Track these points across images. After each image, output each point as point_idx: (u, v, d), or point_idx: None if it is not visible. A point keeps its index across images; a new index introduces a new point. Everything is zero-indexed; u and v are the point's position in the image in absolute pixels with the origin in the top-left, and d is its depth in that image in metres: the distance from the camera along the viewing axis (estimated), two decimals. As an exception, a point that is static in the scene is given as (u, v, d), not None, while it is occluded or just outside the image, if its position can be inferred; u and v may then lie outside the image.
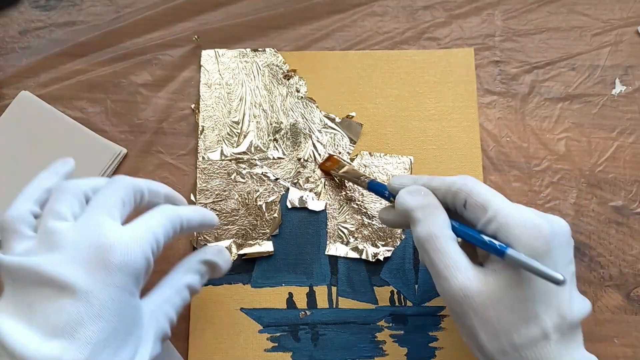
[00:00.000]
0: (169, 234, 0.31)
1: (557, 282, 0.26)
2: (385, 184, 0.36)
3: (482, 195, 0.30)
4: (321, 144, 0.44)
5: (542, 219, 0.29)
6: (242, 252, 0.41)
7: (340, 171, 0.41)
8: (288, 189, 0.43)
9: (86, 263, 0.27)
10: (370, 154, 0.44)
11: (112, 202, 0.29)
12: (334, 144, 0.44)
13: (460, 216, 0.31)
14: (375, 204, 0.43)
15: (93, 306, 0.26)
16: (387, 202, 0.36)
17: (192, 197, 0.43)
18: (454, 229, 0.31)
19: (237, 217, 0.42)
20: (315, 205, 0.42)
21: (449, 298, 0.30)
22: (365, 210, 0.42)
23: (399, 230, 0.42)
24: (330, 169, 0.42)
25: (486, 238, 0.29)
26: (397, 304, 0.41)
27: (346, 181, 0.43)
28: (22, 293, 0.27)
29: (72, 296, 0.26)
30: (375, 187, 0.37)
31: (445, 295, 0.30)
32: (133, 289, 0.28)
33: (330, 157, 0.43)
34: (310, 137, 0.44)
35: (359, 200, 0.43)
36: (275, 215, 0.42)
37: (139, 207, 0.32)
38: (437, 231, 0.30)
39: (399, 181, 0.34)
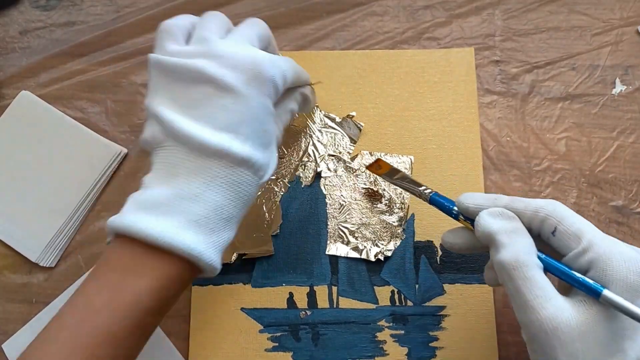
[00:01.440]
0: (292, 75, 0.34)
1: None
2: (454, 200, 0.33)
3: (575, 223, 0.29)
4: (321, 143, 0.44)
5: (638, 253, 0.28)
6: (242, 252, 0.41)
7: (395, 177, 0.38)
8: (289, 187, 0.43)
9: (244, 71, 0.30)
10: (370, 153, 0.44)
11: (252, 34, 0.34)
12: (334, 144, 0.44)
13: (544, 243, 0.30)
14: (376, 205, 0.43)
15: (251, 109, 0.30)
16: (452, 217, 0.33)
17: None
18: (541, 262, 0.29)
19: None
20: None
21: (536, 329, 0.28)
22: (366, 210, 0.42)
23: (400, 230, 0.42)
24: (381, 173, 0.39)
25: (578, 275, 0.28)
26: (397, 303, 0.41)
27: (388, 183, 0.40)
28: (184, 91, 0.30)
29: (234, 98, 0.30)
30: (440, 202, 0.34)
31: (531, 325, 0.28)
32: (274, 100, 0.33)
33: (378, 160, 0.39)
34: (311, 136, 0.44)
35: (359, 199, 0.43)
36: (275, 215, 0.42)
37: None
38: (524, 258, 0.28)
39: (473, 201, 0.31)
